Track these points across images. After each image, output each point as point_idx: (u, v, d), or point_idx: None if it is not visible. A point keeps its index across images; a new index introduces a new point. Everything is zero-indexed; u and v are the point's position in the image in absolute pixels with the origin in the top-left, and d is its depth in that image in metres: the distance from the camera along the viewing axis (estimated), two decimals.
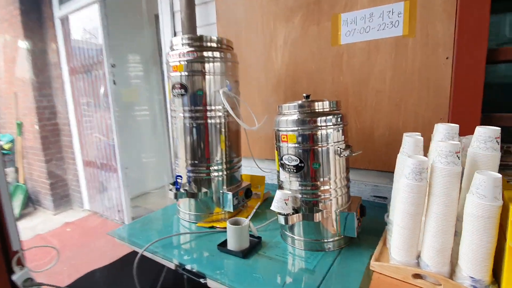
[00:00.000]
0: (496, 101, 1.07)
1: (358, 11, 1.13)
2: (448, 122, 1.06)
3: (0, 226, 0.71)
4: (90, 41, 2.61)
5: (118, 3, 2.78)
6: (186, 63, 1.00)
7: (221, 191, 1.08)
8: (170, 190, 1.07)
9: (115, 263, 2.03)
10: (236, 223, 0.90)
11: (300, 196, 0.87)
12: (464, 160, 0.69)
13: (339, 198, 0.87)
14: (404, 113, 1.11)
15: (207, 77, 1.02)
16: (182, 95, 1.03)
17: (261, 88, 1.43)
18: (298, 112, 0.86)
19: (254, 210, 1.15)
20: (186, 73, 1.01)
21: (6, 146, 3.23)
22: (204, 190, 1.07)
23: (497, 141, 0.65)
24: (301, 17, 1.26)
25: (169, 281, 1.29)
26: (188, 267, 0.83)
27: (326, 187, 0.85)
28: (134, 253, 0.91)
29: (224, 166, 1.09)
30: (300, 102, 0.88)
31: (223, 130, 1.08)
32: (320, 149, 0.84)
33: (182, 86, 1.02)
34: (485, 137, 0.65)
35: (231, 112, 1.02)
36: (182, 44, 1.03)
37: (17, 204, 3.20)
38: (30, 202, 3.35)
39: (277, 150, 0.92)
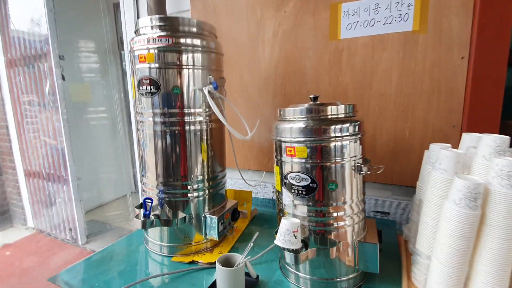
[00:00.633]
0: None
1: (361, 1, 0.98)
2: (461, 130, 0.95)
3: None
4: (33, 28, 2.20)
5: None
6: (157, 51, 0.77)
7: (203, 215, 0.87)
8: (136, 217, 0.82)
9: None
10: (227, 262, 0.69)
11: (308, 224, 0.69)
12: None
13: (356, 226, 0.70)
14: (411, 119, 0.98)
15: (185, 71, 0.80)
16: (152, 93, 0.79)
17: (245, 88, 1.23)
18: (306, 119, 0.68)
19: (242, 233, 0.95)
20: (158, 65, 0.78)
21: None
22: (181, 215, 0.84)
23: None
24: (294, 5, 1.09)
25: None
26: None
27: (341, 213, 0.68)
28: None
29: (206, 184, 0.88)
30: (307, 105, 0.70)
31: (204, 138, 0.86)
32: (335, 165, 0.66)
33: (152, 82, 0.78)
34: None
35: (221, 117, 0.80)
36: (152, 27, 0.79)
37: None
38: None
39: (277, 165, 0.73)
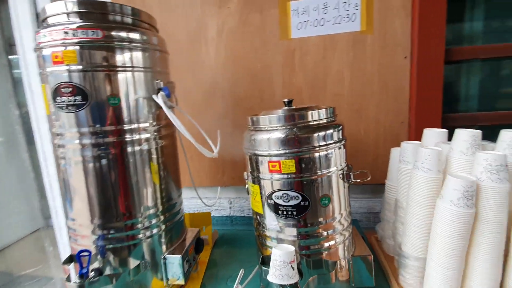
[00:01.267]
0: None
1: None
2: (409, 126, 1.01)
3: None
4: None
5: None
6: (79, 48, 0.56)
7: (162, 257, 0.68)
8: (68, 279, 0.59)
9: None
10: None
11: (298, 248, 0.60)
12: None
13: (346, 241, 0.64)
14: (365, 119, 0.99)
15: (122, 74, 0.61)
16: (77, 106, 0.57)
17: (188, 93, 1.06)
18: (287, 127, 0.59)
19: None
20: (81, 67, 0.57)
21: None
22: (133, 262, 0.64)
23: None
24: (238, 2, 0.98)
25: None
26: None
27: (334, 229, 0.61)
28: None
29: (161, 217, 0.69)
30: (283, 111, 0.61)
31: (154, 158, 0.68)
32: (326, 177, 0.58)
33: (77, 90, 0.57)
34: None
35: (186, 133, 0.63)
36: (69, 15, 0.57)
37: None
38: None
39: (255, 183, 0.62)
